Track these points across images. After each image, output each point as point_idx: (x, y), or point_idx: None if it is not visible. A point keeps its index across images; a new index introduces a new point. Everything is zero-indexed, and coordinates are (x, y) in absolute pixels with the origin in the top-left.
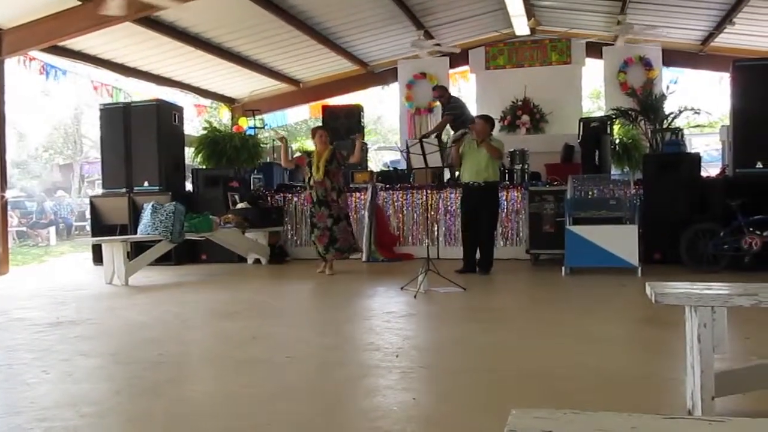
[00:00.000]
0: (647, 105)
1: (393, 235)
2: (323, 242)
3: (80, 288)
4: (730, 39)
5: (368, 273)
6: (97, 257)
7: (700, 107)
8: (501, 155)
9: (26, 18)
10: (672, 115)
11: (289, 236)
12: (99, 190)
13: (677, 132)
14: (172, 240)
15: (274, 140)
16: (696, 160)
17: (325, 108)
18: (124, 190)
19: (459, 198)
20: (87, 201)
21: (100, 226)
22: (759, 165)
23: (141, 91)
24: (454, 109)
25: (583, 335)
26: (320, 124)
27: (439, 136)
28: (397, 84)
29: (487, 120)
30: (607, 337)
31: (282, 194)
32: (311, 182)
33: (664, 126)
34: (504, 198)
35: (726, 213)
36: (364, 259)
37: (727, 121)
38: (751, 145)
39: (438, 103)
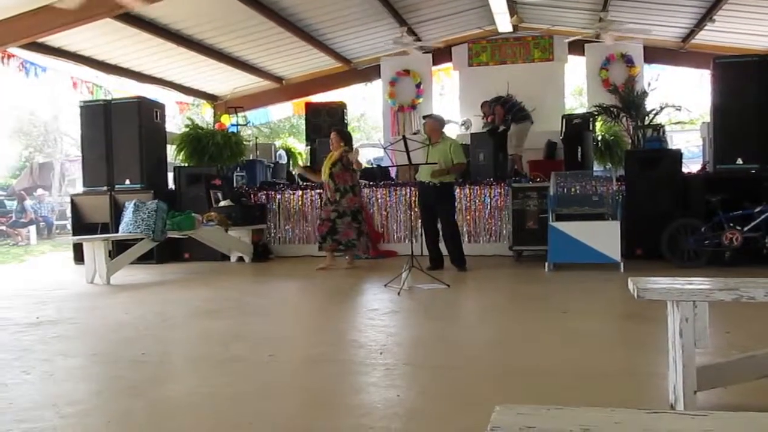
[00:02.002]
0: (629, 102)
1: (376, 233)
2: (322, 231)
3: (61, 287)
4: (710, 36)
5: (352, 270)
6: (79, 256)
7: (681, 104)
8: (462, 167)
9: (5, 14)
10: (653, 112)
11: (273, 234)
12: (80, 189)
13: (659, 128)
14: (154, 238)
15: (297, 174)
16: (677, 156)
17: (308, 105)
18: (105, 188)
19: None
20: (68, 199)
21: (82, 224)
22: (739, 161)
23: (122, 89)
24: (512, 109)
25: (567, 331)
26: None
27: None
28: (380, 81)
29: (436, 119)
30: (590, 333)
31: (265, 192)
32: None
33: (646, 123)
34: (487, 194)
35: (707, 209)
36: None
37: (707, 118)
38: (732, 142)
39: (420, 101)
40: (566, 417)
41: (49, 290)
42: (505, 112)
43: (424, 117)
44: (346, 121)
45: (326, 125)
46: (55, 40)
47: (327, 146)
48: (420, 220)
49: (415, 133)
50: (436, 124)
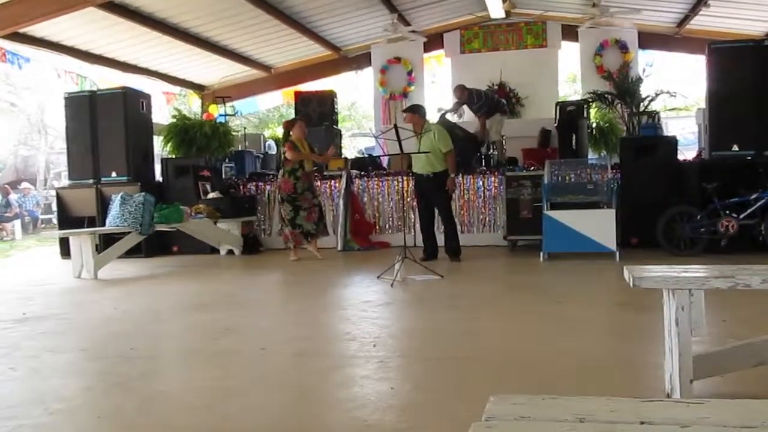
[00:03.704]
0: (623, 88)
1: (368, 224)
2: (313, 219)
3: (48, 282)
4: (705, 21)
5: (344, 262)
6: (65, 251)
7: (676, 90)
8: (452, 156)
9: None
10: (648, 99)
11: (263, 226)
12: (65, 182)
13: (654, 115)
14: (141, 231)
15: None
16: (672, 143)
17: (297, 94)
18: (91, 181)
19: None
20: (53, 193)
21: (68, 218)
22: (735, 148)
23: (107, 79)
24: (481, 107)
25: (562, 321)
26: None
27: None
28: (371, 69)
29: (415, 111)
30: (585, 322)
31: (254, 183)
32: (299, 173)
33: (641, 109)
34: (481, 184)
35: (702, 196)
36: (339, 248)
37: (702, 105)
38: (727, 128)
39: (412, 89)
40: (561, 406)
41: (36, 285)
42: (467, 102)
43: (404, 111)
44: (336, 110)
45: (316, 114)
46: (37, 29)
47: (317, 136)
48: (416, 211)
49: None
50: (415, 117)
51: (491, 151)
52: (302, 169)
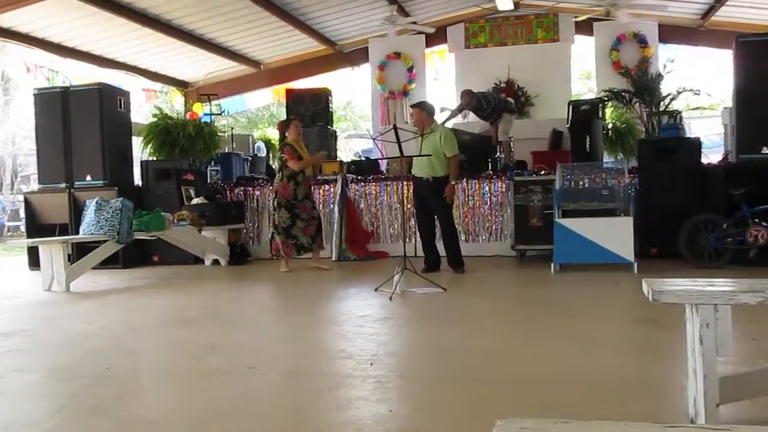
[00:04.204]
0: (642, 86)
1: (365, 232)
2: (309, 233)
3: (15, 296)
4: (732, 12)
5: (338, 273)
6: (34, 261)
7: (700, 88)
8: (457, 162)
9: None
10: (669, 97)
11: (251, 234)
12: (35, 186)
13: (675, 115)
14: (119, 240)
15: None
16: (696, 145)
17: (289, 92)
18: (63, 185)
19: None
20: (21, 198)
21: (37, 225)
22: (765, 150)
23: (81, 75)
24: (491, 113)
25: (575, 338)
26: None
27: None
28: (368, 65)
29: (423, 107)
30: (600, 340)
31: (242, 188)
32: (300, 178)
33: (661, 109)
34: (487, 189)
35: (729, 203)
36: (333, 258)
37: (729, 103)
38: (756, 129)
39: (413, 86)
40: (574, 431)
41: (1, 299)
42: (475, 109)
43: (412, 106)
44: (330, 110)
45: (309, 114)
46: (5, 19)
47: (311, 137)
48: (415, 218)
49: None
50: (423, 115)
51: (498, 153)
52: (303, 174)
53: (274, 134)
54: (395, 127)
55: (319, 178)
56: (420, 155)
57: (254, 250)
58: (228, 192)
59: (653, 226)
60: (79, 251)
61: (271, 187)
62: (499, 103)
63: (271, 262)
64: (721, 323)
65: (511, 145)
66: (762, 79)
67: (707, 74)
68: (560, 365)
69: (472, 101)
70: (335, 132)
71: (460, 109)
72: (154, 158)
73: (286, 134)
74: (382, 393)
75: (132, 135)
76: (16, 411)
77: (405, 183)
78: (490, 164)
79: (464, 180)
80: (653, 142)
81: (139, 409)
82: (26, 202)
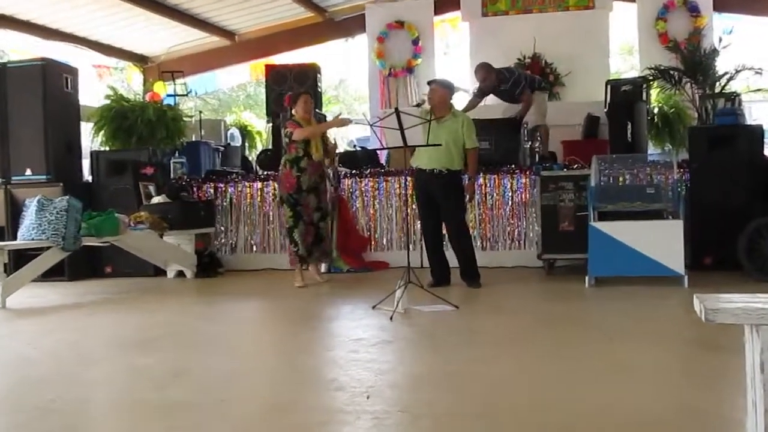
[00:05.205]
0: (694, 62)
1: (361, 238)
2: (307, 243)
3: None
4: None
5: (329, 288)
6: None
7: (763, 66)
8: (477, 158)
9: None
10: (726, 76)
11: (223, 240)
12: None
13: (733, 98)
14: (64, 247)
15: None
16: (758, 134)
17: (269, 68)
18: None
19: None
20: None
21: None
22: None
23: (20, 48)
24: (521, 85)
25: (613, 365)
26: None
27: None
28: (365, 36)
29: (447, 86)
30: (643, 367)
31: (213, 184)
32: (304, 163)
33: (716, 90)
34: (508, 186)
35: None
36: (323, 269)
37: None
38: None
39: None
40: None
41: None
42: (493, 88)
43: (430, 82)
44: (319, 90)
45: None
46: None
47: None
48: (419, 221)
49: (418, 104)
50: (446, 93)
51: (529, 141)
52: (308, 157)
53: (250, 119)
54: (397, 111)
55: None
56: (432, 144)
57: (227, 260)
58: (195, 189)
59: (707, 230)
60: (17, 260)
61: (246, 184)
62: (525, 77)
63: (248, 274)
64: None
65: (548, 131)
66: None
67: None
68: (595, 397)
69: (490, 76)
70: (325, 116)
71: (482, 93)
72: (107, 148)
73: (293, 111)
74: (380, 431)
75: (81, 120)
76: None
77: (409, 178)
78: (521, 156)
79: (480, 175)
80: (707, 130)
81: None
82: None
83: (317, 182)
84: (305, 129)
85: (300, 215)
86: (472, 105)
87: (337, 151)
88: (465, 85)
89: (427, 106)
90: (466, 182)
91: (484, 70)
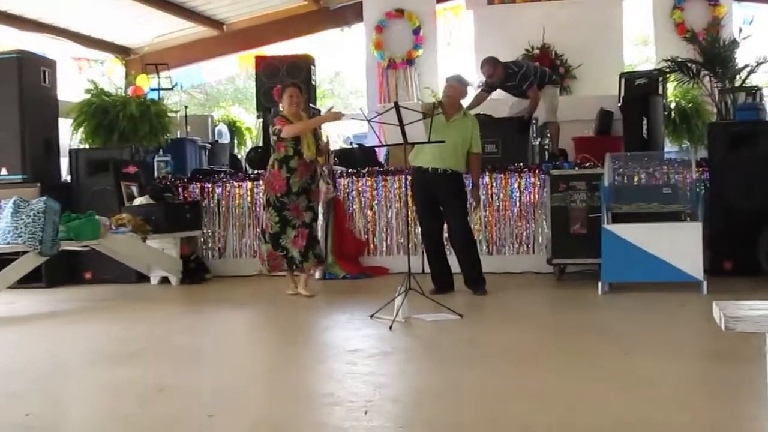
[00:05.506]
0: (713, 54)
1: (358, 241)
2: (299, 245)
3: None
4: None
5: (324, 295)
6: None
7: None
8: (480, 162)
9: None
10: (747, 69)
11: (210, 244)
12: None
13: (755, 92)
14: (42, 251)
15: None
16: None
17: (259, 60)
18: None
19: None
20: None
21: None
22: None
23: None
24: (523, 79)
25: (629, 378)
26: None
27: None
28: (362, 26)
29: (465, 83)
30: (661, 380)
31: (199, 184)
32: (293, 162)
33: (737, 84)
34: (515, 186)
35: None
36: (318, 275)
37: None
38: None
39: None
40: None
41: None
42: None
43: (448, 78)
44: (313, 83)
45: None
46: None
47: None
48: (419, 223)
49: (435, 106)
50: (464, 91)
51: (538, 138)
52: (299, 156)
53: (239, 115)
54: (397, 106)
55: None
56: (434, 141)
57: (214, 266)
58: (180, 189)
59: (728, 233)
60: None
61: (235, 184)
62: (534, 70)
63: (236, 281)
64: None
65: (559, 127)
66: None
67: None
68: (611, 414)
69: (497, 71)
70: (319, 111)
71: (489, 88)
72: (87, 146)
73: (281, 107)
74: None
75: (59, 116)
76: None
77: (410, 178)
78: (529, 154)
79: (486, 174)
80: (727, 126)
81: None
82: None
83: (308, 183)
84: (294, 125)
85: (287, 220)
86: (479, 100)
87: (330, 149)
88: (470, 78)
89: (431, 101)
90: (471, 188)
91: (490, 65)
